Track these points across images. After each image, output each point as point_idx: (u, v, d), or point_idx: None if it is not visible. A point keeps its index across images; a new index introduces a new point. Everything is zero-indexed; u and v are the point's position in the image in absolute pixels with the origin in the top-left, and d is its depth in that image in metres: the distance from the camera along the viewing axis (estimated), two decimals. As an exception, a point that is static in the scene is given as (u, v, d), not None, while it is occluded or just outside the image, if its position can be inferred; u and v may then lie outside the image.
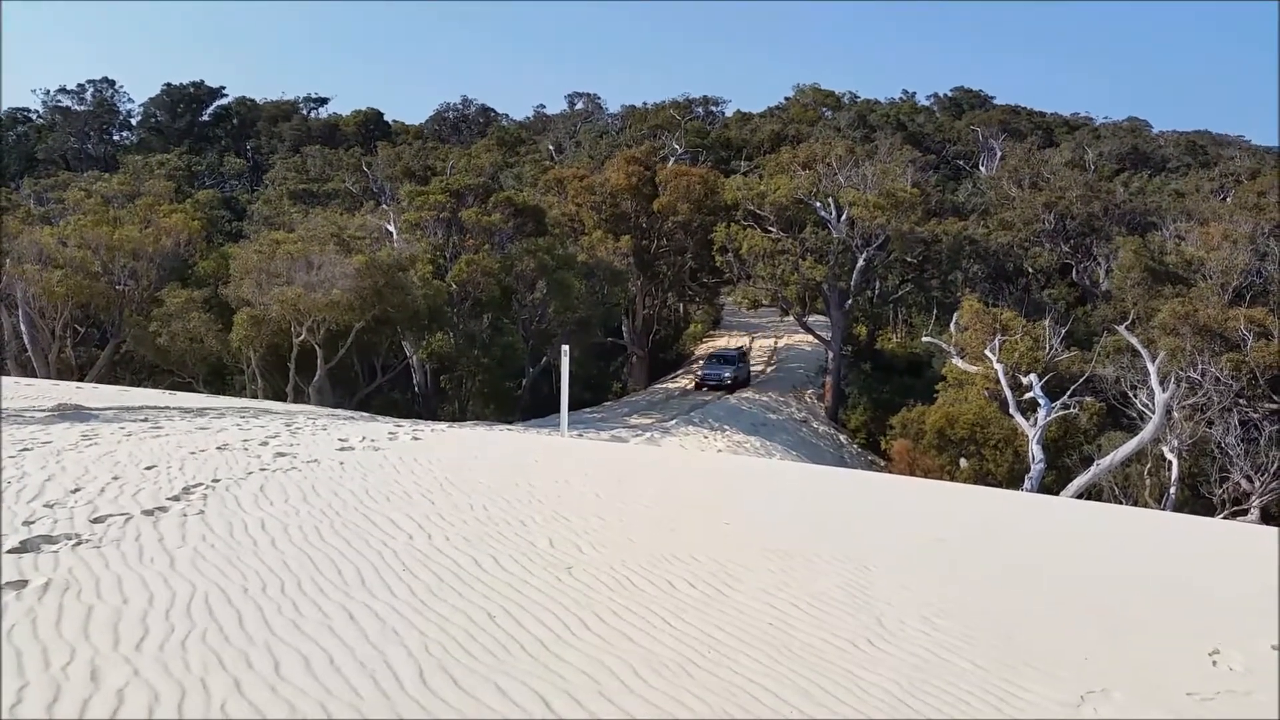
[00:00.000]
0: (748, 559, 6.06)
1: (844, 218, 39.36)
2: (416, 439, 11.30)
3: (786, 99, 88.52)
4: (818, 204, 40.31)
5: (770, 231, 40.27)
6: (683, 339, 53.20)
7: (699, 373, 41.79)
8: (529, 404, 35.91)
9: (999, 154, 65.67)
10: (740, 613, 4.94)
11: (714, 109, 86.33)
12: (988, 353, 28.73)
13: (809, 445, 34.11)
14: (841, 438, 38.11)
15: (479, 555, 5.57)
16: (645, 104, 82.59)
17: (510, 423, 29.05)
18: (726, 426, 32.65)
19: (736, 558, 6.06)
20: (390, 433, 11.93)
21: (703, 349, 52.26)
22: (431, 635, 4.15)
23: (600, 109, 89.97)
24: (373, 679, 3.62)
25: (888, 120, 74.61)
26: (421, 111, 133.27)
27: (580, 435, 21.77)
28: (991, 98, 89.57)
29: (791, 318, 43.12)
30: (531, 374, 37.21)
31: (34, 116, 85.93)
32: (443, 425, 16.32)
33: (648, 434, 28.54)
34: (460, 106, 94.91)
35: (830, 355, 41.45)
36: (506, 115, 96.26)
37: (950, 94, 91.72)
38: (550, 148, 75.99)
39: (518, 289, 35.93)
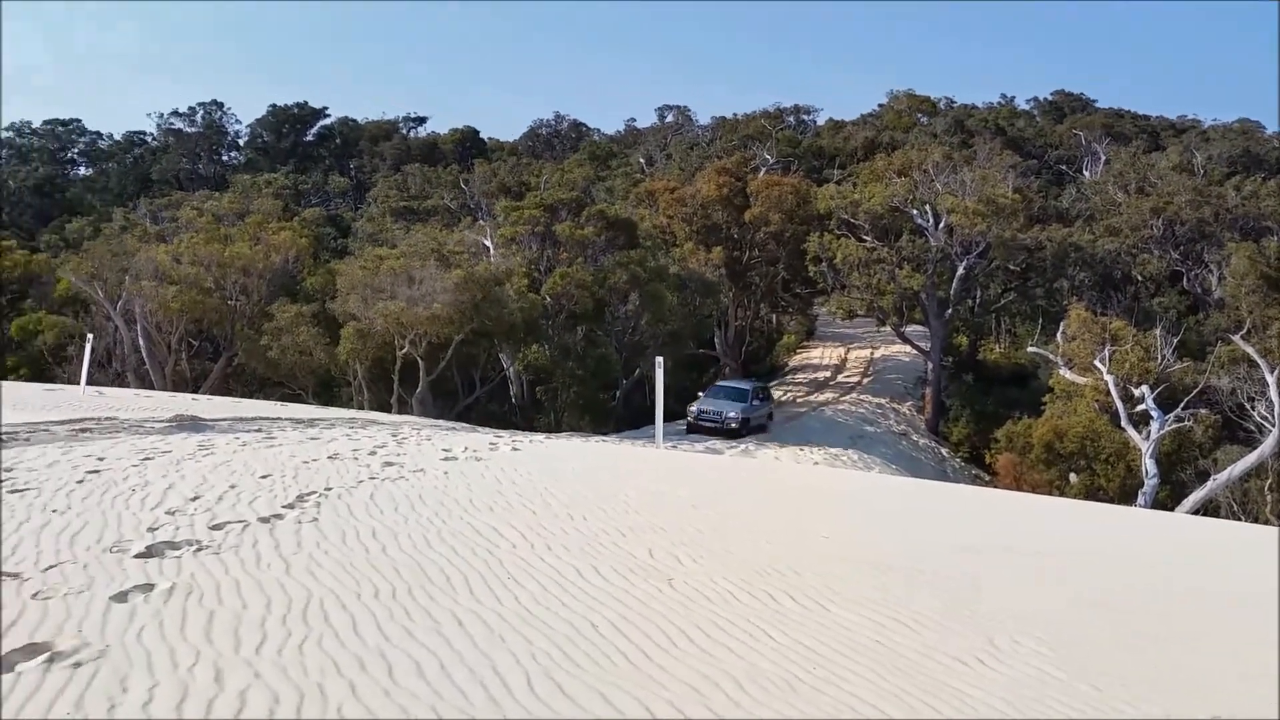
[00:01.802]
0: (849, 573, 5.98)
1: (942, 225, 38.54)
2: (516, 450, 11.49)
3: (880, 106, 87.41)
4: (914, 211, 39.56)
5: (865, 240, 39.69)
6: (776, 350, 52.79)
7: (692, 409, 30.90)
8: (623, 415, 36.09)
9: (1103, 158, 63.50)
10: (843, 627, 4.88)
11: (805, 117, 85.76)
12: (1097, 363, 27.72)
13: (909, 458, 33.43)
14: (943, 451, 37.24)
15: (580, 565, 5.63)
16: (735, 115, 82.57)
17: (605, 434, 29.25)
18: (823, 439, 32.27)
19: (837, 571, 5.98)
20: (491, 444, 12.16)
21: (796, 360, 51.71)
22: (537, 643, 4.21)
23: (690, 121, 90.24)
24: (482, 685, 3.69)
25: (986, 125, 72.86)
26: (516, 128, 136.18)
27: (675, 447, 21.78)
28: (1093, 101, 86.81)
29: (888, 328, 42.30)
30: (625, 385, 37.41)
31: (149, 139, 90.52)
32: (540, 436, 16.56)
33: (742, 446, 28.39)
34: (553, 122, 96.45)
35: (929, 366, 40.55)
36: (598, 130, 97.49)
37: (1050, 97, 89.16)
38: (641, 160, 76.50)
39: (610, 301, 36.19)
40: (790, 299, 50.96)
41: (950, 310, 39.56)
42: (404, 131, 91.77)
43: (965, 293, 40.30)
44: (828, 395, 42.92)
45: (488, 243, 39.02)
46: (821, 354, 52.58)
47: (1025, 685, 4.21)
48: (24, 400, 17.16)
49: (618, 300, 36.33)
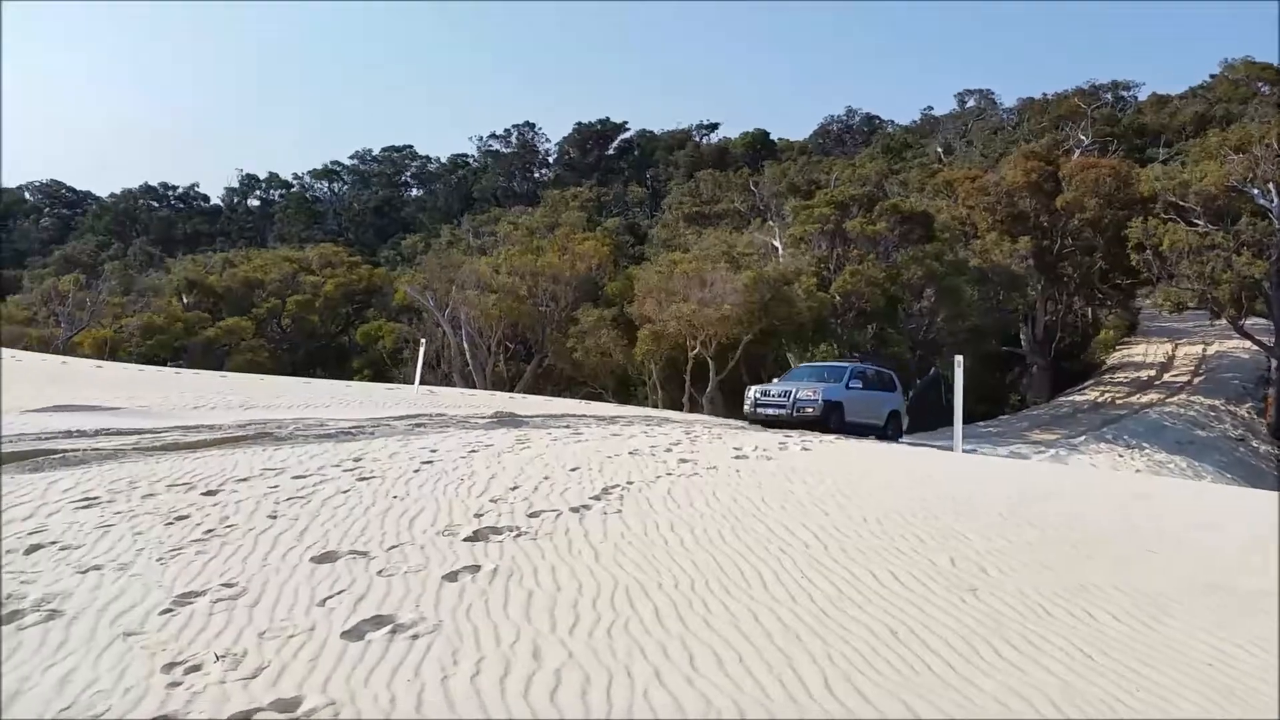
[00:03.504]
0: (1179, 591, 5.40)
1: (1291, 204, 33.85)
2: (806, 450, 11.43)
3: (1212, 76, 77.91)
4: (1255, 191, 35.03)
5: (1196, 225, 35.67)
6: (1092, 347, 48.59)
7: (751, 391, 21.23)
8: (917, 417, 34.80)
9: None
10: (1173, 650, 4.42)
11: (1125, 93, 78.42)
12: None
13: (1246, 466, 29.61)
14: (1291, 459, 32.66)
15: (876, 569, 5.50)
16: (1045, 95, 76.94)
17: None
18: (1146, 444, 29.31)
19: (1165, 589, 5.42)
20: (780, 443, 12.18)
21: (1115, 357, 47.35)
22: (834, 645, 4.17)
23: (994, 105, 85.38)
24: (780, 681, 3.71)
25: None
26: (806, 127, 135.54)
27: (975, 451, 20.70)
28: None
29: (1224, 321, 37.70)
30: (919, 385, 36.06)
31: (470, 160, 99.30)
32: (830, 437, 16.35)
33: (1052, 451, 26.43)
34: (844, 118, 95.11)
35: (1273, 364, 35.79)
36: (892, 121, 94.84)
37: None
38: (939, 150, 73.52)
39: (904, 298, 35.07)
40: (1108, 291, 46.71)
41: (1301, 300, 34.67)
42: (697, 139, 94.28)
43: (1319, 280, 35.16)
44: (1152, 396, 38.95)
45: (777, 243, 39.13)
46: (1145, 351, 47.77)
47: None
48: (370, 397, 19.42)
49: (912, 297, 35.14)
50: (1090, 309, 49.17)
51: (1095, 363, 47.12)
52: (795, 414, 19.59)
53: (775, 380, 23.16)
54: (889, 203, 39.21)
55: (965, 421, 17.24)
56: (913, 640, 4.30)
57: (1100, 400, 38.35)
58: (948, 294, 34.19)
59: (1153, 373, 43.80)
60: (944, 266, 34.62)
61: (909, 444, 20.47)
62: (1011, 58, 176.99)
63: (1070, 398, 40.32)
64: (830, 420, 19.53)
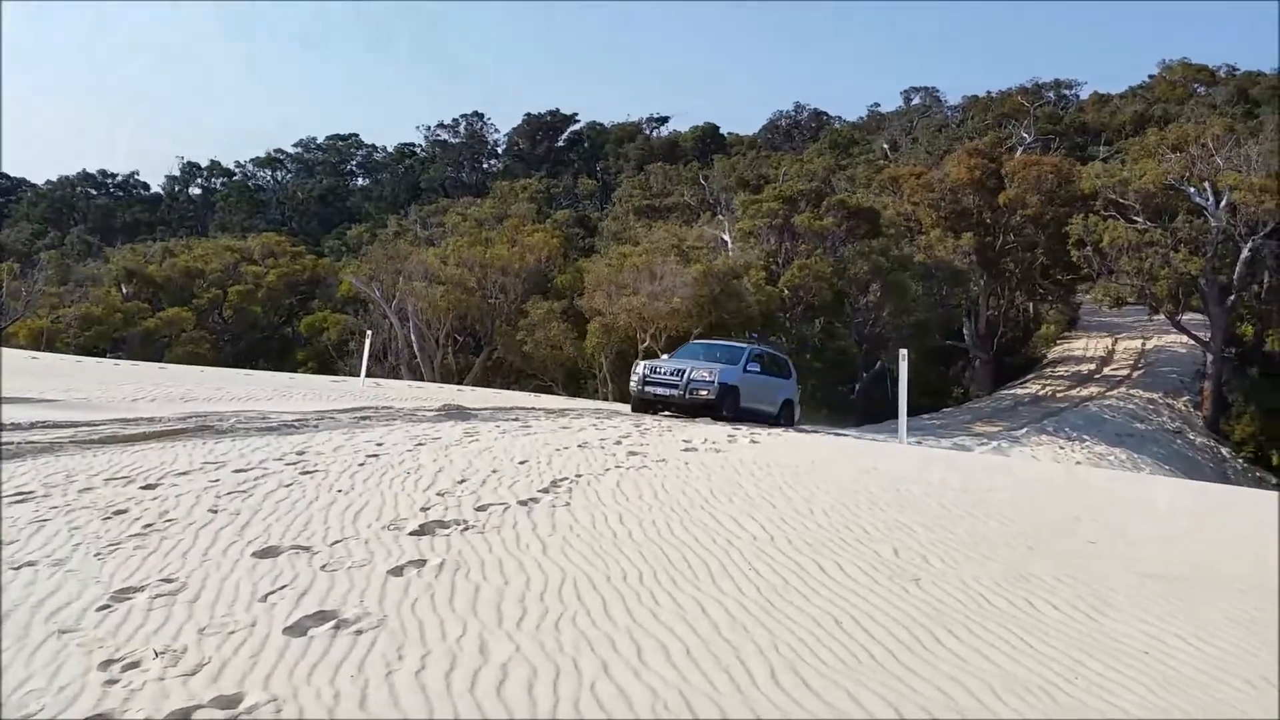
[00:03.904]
0: (1117, 581, 5.55)
1: (1224, 204, 34.85)
2: (754, 443, 11.52)
3: (1151, 77, 80.00)
4: (1192, 189, 36.01)
5: (1135, 222, 36.54)
6: (1033, 341, 49.62)
7: (639, 368, 19.04)
8: (863, 410, 35.27)
9: None
10: (1110, 639, 4.54)
11: (1067, 92, 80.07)
12: None
13: (1184, 459, 30.49)
14: (1224, 451, 33.68)
15: (822, 560, 5.57)
16: (989, 93, 78.42)
17: (844, 428, 28.73)
18: (1086, 436, 30.03)
19: (1104, 579, 5.57)
20: (729, 435, 12.26)
21: (1056, 352, 48.35)
22: (780, 635, 4.21)
23: (939, 102, 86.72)
24: (726, 672, 3.74)
25: (1274, 94, 64.89)
26: (755, 122, 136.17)
27: (919, 443, 21.03)
28: None
29: (1162, 316, 38.73)
30: (865, 379, 36.56)
31: (418, 150, 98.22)
32: (777, 430, 16.51)
33: (994, 443, 26.95)
34: (793, 113, 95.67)
35: (1208, 358, 36.84)
36: (839, 118, 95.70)
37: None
38: (885, 146, 74.42)
39: (851, 292, 35.49)
40: (1050, 286, 47.74)
41: (1233, 297, 35.69)
42: (647, 132, 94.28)
43: (1251, 277, 36.22)
44: (1092, 389, 39.91)
45: (726, 237, 39.30)
46: (1085, 345, 48.89)
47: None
48: (314, 390, 19.14)
49: (858, 291, 35.57)
50: (1032, 304, 50.16)
51: (1036, 357, 48.13)
52: (688, 396, 17.88)
53: (666, 356, 21.09)
54: (836, 198, 39.61)
55: (910, 414, 17.51)
56: (857, 630, 4.36)
57: (1041, 394, 39.18)
58: (893, 289, 34.65)
59: (1093, 367, 44.85)
60: (889, 262, 35.08)
61: (855, 436, 20.73)
62: (956, 56, 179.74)
63: (1012, 391, 41.14)
64: (725, 406, 17.83)
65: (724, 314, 31.42)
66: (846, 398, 36.04)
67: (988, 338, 44.10)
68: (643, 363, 19.31)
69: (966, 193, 42.40)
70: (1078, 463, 25.42)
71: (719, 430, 13.62)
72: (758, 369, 19.33)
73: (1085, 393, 39.29)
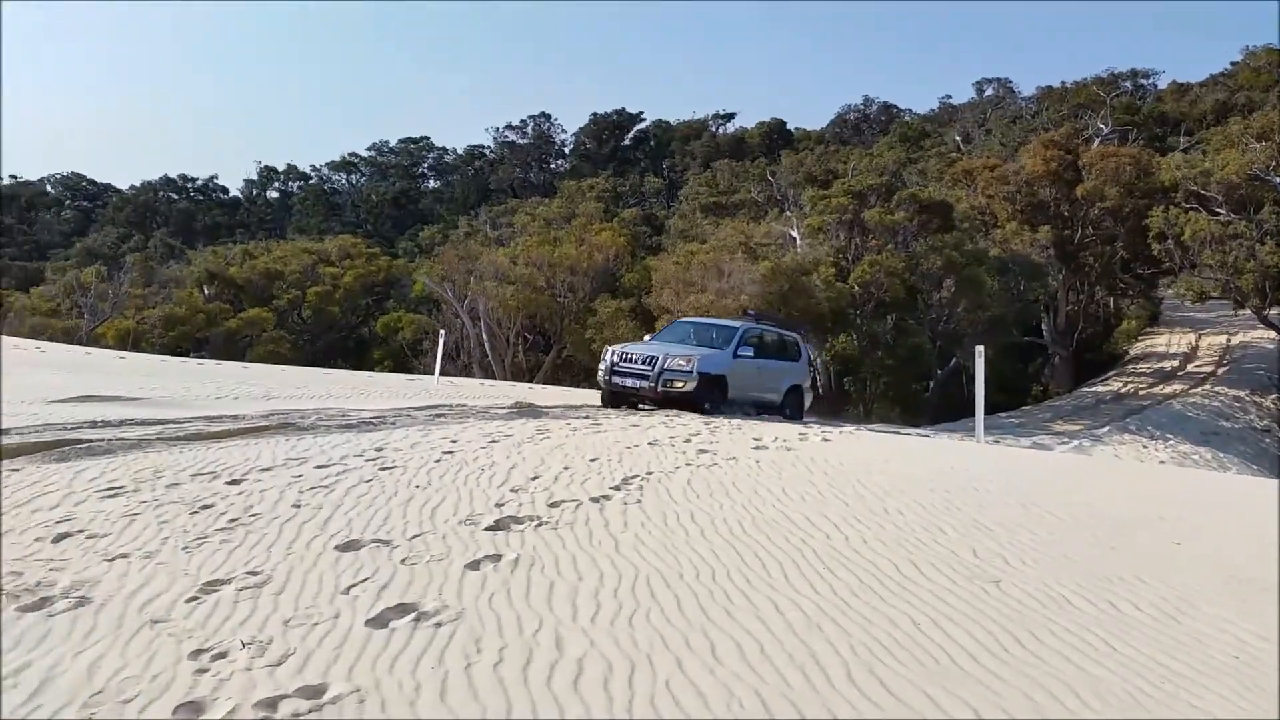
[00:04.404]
0: (1204, 584, 5.37)
1: (1317, 192, 33.47)
2: (827, 440, 11.41)
3: (1233, 64, 76.85)
4: (1278, 180, 34.62)
5: (1218, 214, 35.29)
6: (1114, 337, 48.22)
7: (610, 356, 16.59)
8: (938, 407, 34.69)
9: None
10: (1196, 641, 4.40)
11: (1144, 82, 77.48)
12: None
13: (1272, 458, 29.38)
14: (1318, 451, 32.34)
15: (898, 560, 5.49)
16: (1064, 83, 76.18)
17: (918, 426, 28.28)
18: (1170, 435, 29.09)
19: (1190, 582, 5.39)
20: (800, 433, 12.16)
21: (1137, 348, 46.92)
22: (856, 635, 4.17)
23: (1012, 93, 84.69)
24: (802, 671, 3.71)
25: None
26: (823, 117, 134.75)
27: (997, 441, 20.59)
28: None
29: (1248, 311, 37.33)
30: (940, 376, 35.94)
31: (487, 152, 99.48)
32: (850, 427, 16.31)
33: (1075, 442, 26.26)
34: (862, 107, 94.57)
35: (1301, 354, 35.47)
36: (909, 110, 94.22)
37: None
38: (957, 139, 73.05)
39: (923, 288, 34.91)
40: (1130, 281, 46.39)
41: (1328, 289, 34.30)
42: (713, 129, 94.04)
43: (1347, 268, 34.74)
44: (1175, 387, 38.64)
45: (794, 233, 38.98)
46: (1168, 341, 47.37)
47: None
48: (390, 388, 19.52)
49: (931, 287, 34.98)
50: (1112, 299, 48.79)
51: (1118, 353, 46.77)
52: (660, 388, 15.45)
53: (648, 338, 18.86)
54: (907, 192, 38.99)
55: (987, 412, 17.11)
56: (935, 631, 4.29)
57: (1123, 391, 38.08)
58: (968, 284, 34.00)
59: (1176, 363, 43.46)
60: (964, 256, 34.44)
61: (930, 434, 20.39)
62: (1030, 46, 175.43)
63: (1093, 388, 40.06)
64: (706, 398, 15.60)
65: (793, 311, 31.17)
66: (920, 395, 35.50)
67: (1067, 333, 43.00)
68: (611, 349, 16.90)
69: (1042, 185, 41.41)
70: (1161, 462, 24.65)
71: (790, 429, 13.52)
72: (752, 352, 16.81)
73: (1168, 390, 38.08)
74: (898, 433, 18.70)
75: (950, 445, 14.42)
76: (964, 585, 5.06)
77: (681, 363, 15.56)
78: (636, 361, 15.85)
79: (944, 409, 34.22)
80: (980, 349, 16.31)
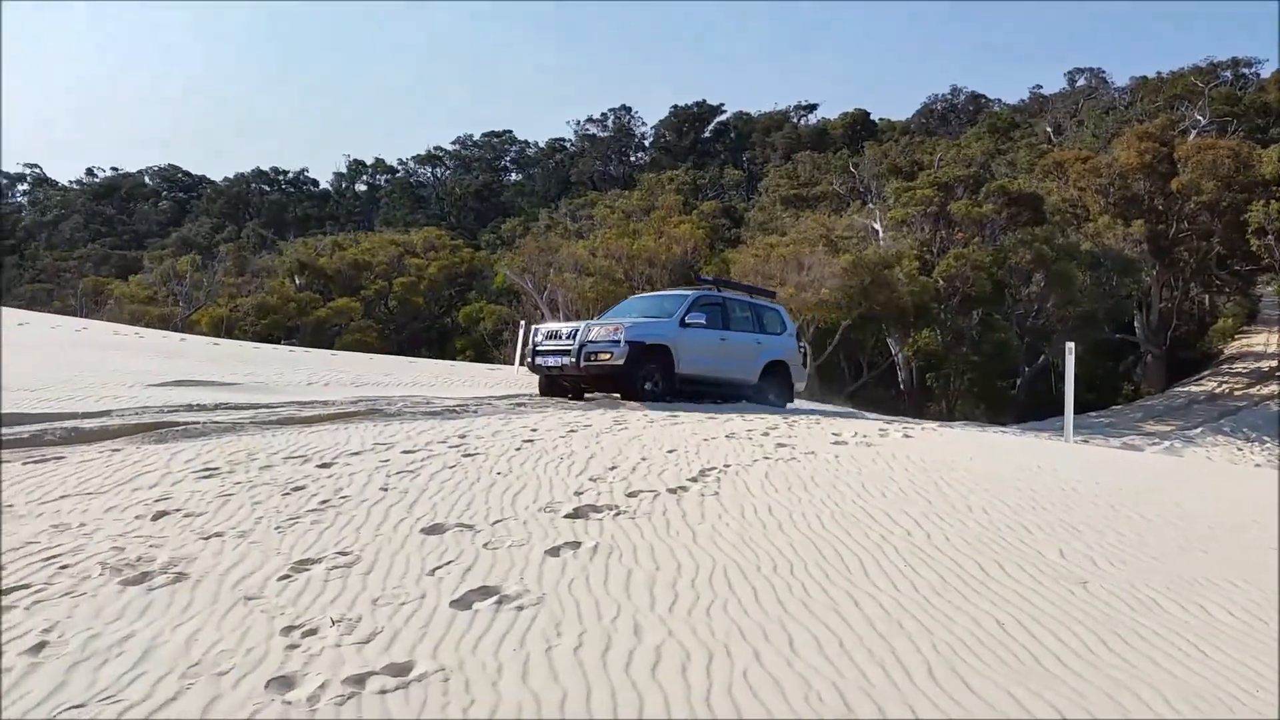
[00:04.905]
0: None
1: None
2: (908, 437, 11.24)
3: (1343, 52, 73.05)
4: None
5: (1327, 208, 33.67)
6: (1209, 335, 46.41)
7: (537, 334, 14.93)
8: (1024, 405, 33.85)
9: None
10: (1297, 650, 4.23)
11: (1246, 71, 74.22)
12: None
13: (1380, 464, 27.91)
14: None
15: (981, 559, 5.39)
16: (1159, 73, 73.44)
17: (1003, 424, 27.64)
18: (1266, 437, 27.90)
19: (1291, 588, 5.17)
20: (881, 430, 12.00)
21: (1233, 347, 45.05)
22: (937, 634, 4.12)
23: (1105, 84, 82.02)
24: (881, 667, 3.69)
25: None
26: (908, 107, 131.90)
27: (1086, 441, 20.02)
28: None
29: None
30: (1027, 373, 35.05)
31: (568, 145, 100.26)
32: (932, 424, 16.03)
33: (1166, 443, 25.37)
34: (948, 97, 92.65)
35: None
36: (999, 100, 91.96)
37: None
38: (1048, 130, 71.04)
39: (1011, 282, 34.10)
40: (1226, 277, 44.59)
41: None
42: (794, 120, 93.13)
43: None
44: (1273, 387, 37.02)
45: (877, 226, 38.43)
46: (1265, 340, 45.38)
47: None
48: (472, 377, 19.86)
49: (1019, 281, 34.15)
50: (1207, 296, 47.04)
51: (1212, 352, 45.03)
52: (582, 364, 13.34)
53: (606, 313, 16.77)
54: (996, 184, 38.12)
55: (1076, 411, 16.65)
56: (1020, 631, 4.21)
57: (1218, 391, 36.64)
58: (1058, 279, 33.11)
59: (1274, 363, 41.63)
60: (1054, 250, 33.53)
61: (1016, 432, 19.92)
62: (1124, 35, 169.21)
63: (1186, 388, 38.65)
64: (641, 378, 13.43)
65: (875, 305, 30.79)
66: (1006, 393, 34.69)
67: (1160, 331, 41.56)
68: (536, 325, 15.16)
69: (1136, 178, 40.06)
70: (1256, 465, 23.64)
71: (869, 424, 13.35)
72: (703, 319, 14.30)
73: (1265, 391, 36.50)
74: (982, 430, 18.31)
75: (1037, 444, 14.07)
76: (1050, 586, 4.95)
77: (606, 332, 13.38)
78: (561, 337, 13.99)
79: (1030, 407, 33.38)
80: (1070, 346, 15.86)
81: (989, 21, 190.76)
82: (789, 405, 15.78)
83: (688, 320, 14.11)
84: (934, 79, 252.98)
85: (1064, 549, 5.73)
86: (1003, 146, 64.93)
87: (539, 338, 14.37)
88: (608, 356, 13.16)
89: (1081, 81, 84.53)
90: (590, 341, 13.32)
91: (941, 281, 32.71)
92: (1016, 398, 34.53)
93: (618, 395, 14.03)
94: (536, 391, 15.35)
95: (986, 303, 33.65)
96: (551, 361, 13.95)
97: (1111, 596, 4.84)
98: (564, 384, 14.42)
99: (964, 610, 4.46)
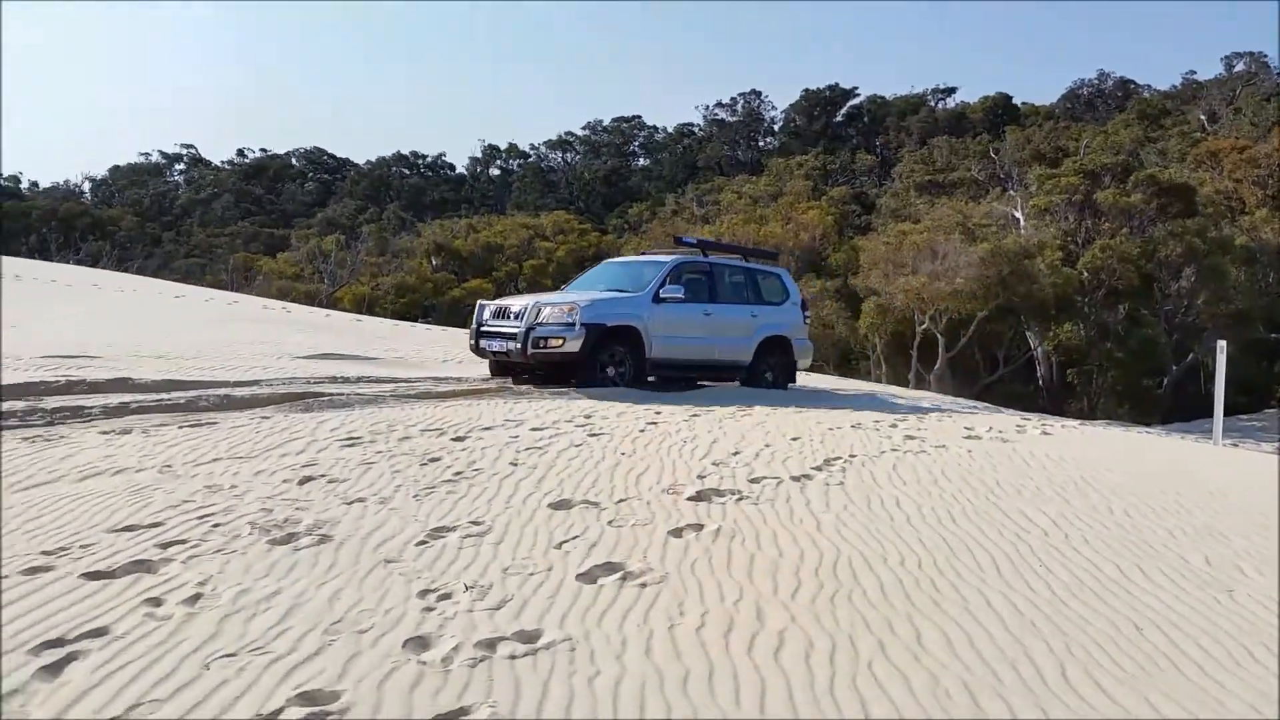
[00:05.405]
0: None
1: None
2: (1046, 434, 10.84)
3: None
4: None
5: None
6: (1385, 338, 42.93)
7: (482, 312, 12.57)
8: (1171, 406, 32.12)
9: None
10: None
11: None
12: None
13: None
14: None
15: (1121, 563, 5.18)
16: (1330, 56, 67.95)
17: (1148, 425, 26.30)
18: None
19: None
20: (1018, 426, 11.62)
21: None
22: (1072, 636, 3.99)
23: (1267, 69, 76.44)
24: (1013, 667, 3.60)
25: None
26: (1052, 91, 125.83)
27: (1236, 445, 18.87)
28: None
29: None
30: (1175, 372, 33.23)
31: (696, 130, 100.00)
32: (1073, 422, 15.40)
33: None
34: (1096, 81, 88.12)
35: None
36: (1149, 86, 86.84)
37: None
38: (1202, 118, 66.81)
39: (1160, 277, 32.35)
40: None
41: None
42: (932, 104, 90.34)
43: None
44: None
45: (1017, 214, 37.02)
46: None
47: None
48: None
49: (1169, 275, 32.36)
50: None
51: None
52: (531, 350, 11.30)
53: (564, 288, 14.41)
54: (1145, 173, 36.18)
55: (1226, 414, 15.71)
56: (1159, 637, 4.04)
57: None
58: (1210, 274, 31.23)
59: None
60: (1206, 244, 31.63)
61: (1161, 433, 18.95)
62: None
63: (1354, 394, 35.86)
64: (602, 366, 11.61)
65: (1013, 296, 29.71)
66: (1152, 392, 32.98)
67: (1325, 332, 38.67)
68: (483, 302, 13.03)
69: (1302, 168, 37.34)
70: None
71: (1005, 419, 12.93)
72: (682, 293, 12.24)
73: None
74: (1125, 430, 17.50)
75: (1184, 446, 13.35)
76: (1193, 592, 4.73)
77: (559, 311, 11.33)
78: (510, 316, 11.87)
79: (1177, 408, 31.65)
80: (1222, 344, 14.99)
81: (1141, 3, 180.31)
82: (791, 386, 14.09)
83: (664, 294, 12.14)
84: (1080, 63, 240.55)
85: (1210, 555, 5.45)
86: (1153, 134, 61.42)
87: (485, 315, 12.33)
88: (559, 343, 11.21)
89: (1240, 67, 78.99)
90: (539, 324, 11.33)
91: (1086, 273, 31.27)
92: (1162, 397, 32.78)
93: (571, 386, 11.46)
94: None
95: (1133, 297, 32.01)
96: (496, 346, 11.93)
97: (1259, 606, 4.59)
98: (515, 367, 12.29)
99: (1100, 613, 4.30)
